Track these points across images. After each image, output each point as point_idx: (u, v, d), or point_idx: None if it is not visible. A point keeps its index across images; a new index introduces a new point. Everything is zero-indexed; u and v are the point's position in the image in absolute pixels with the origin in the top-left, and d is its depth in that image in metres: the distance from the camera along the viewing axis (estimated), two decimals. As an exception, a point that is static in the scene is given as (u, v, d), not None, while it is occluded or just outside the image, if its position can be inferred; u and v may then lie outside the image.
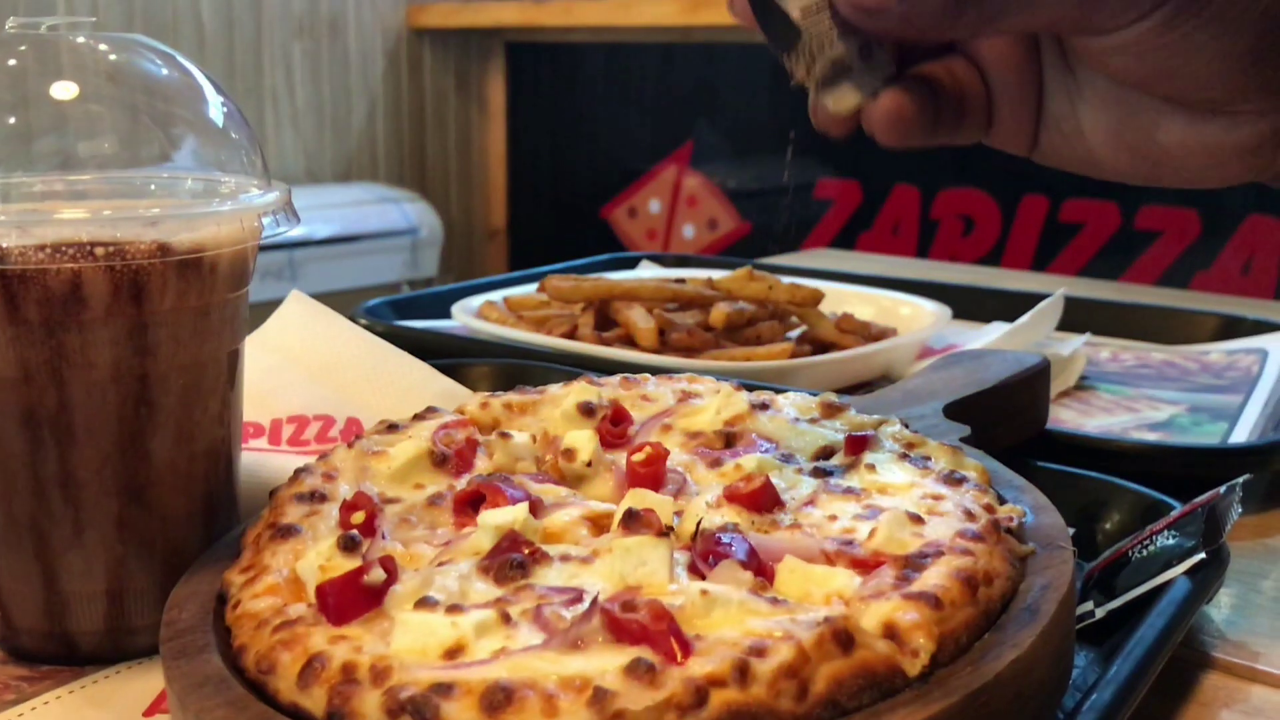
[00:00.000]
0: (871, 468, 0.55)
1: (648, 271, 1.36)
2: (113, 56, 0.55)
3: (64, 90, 0.53)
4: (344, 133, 3.49)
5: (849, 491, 0.53)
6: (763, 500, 0.52)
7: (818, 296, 1.04)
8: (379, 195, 3.39)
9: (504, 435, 0.60)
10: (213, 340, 0.54)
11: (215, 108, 0.57)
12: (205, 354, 0.53)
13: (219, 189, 0.56)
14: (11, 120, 0.53)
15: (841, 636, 0.41)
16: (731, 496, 0.52)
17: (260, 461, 0.65)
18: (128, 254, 0.49)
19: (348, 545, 0.49)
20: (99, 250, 0.49)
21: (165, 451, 0.53)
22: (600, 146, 3.62)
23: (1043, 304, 1.08)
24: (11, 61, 0.53)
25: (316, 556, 0.49)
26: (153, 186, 0.56)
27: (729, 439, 0.60)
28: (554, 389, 0.66)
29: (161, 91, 0.57)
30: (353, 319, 1.02)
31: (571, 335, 1.03)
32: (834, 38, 0.51)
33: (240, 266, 0.54)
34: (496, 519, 0.50)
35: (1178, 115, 0.50)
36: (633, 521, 0.49)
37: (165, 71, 0.57)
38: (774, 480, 0.54)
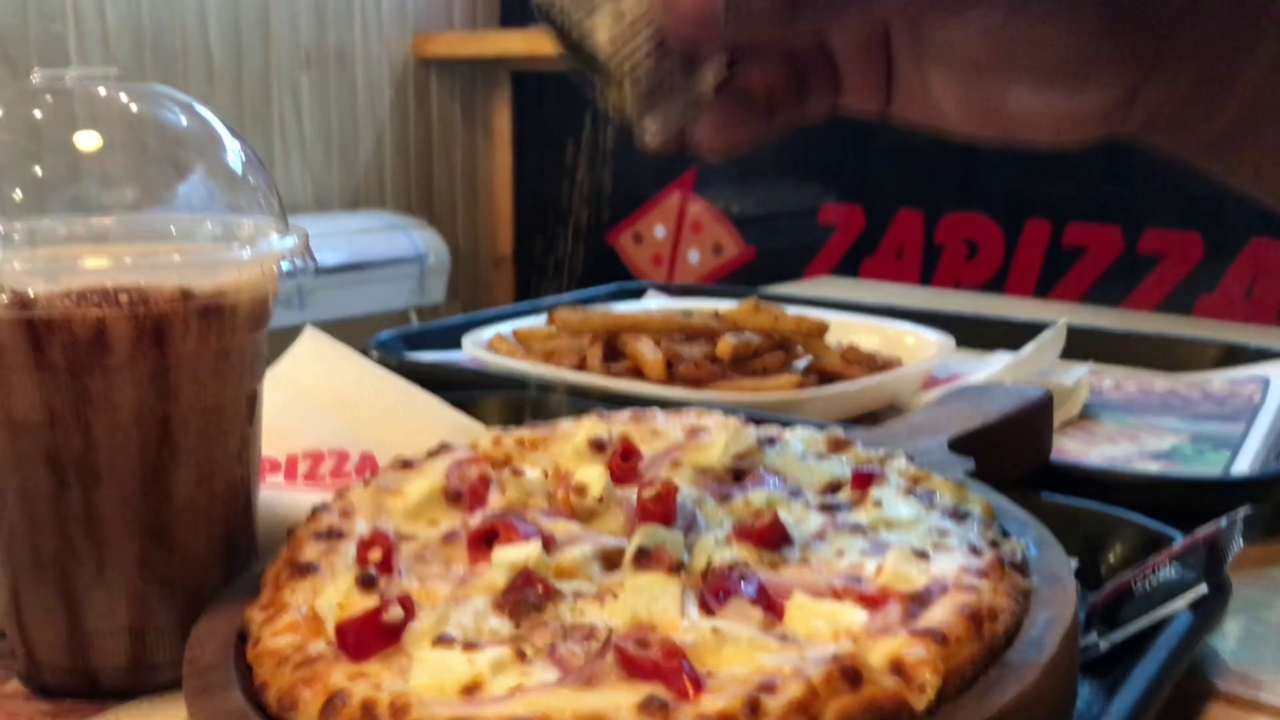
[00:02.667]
0: (878, 503, 0.56)
1: (654, 302, 1.38)
2: (134, 106, 0.57)
3: (87, 140, 0.55)
4: (351, 161, 3.52)
5: (856, 527, 0.54)
6: (772, 537, 0.53)
7: (823, 328, 1.05)
8: (387, 223, 3.41)
9: (516, 472, 0.61)
10: (233, 381, 0.55)
11: (233, 153, 0.58)
12: (225, 395, 0.55)
13: (238, 232, 0.58)
14: (38, 169, 0.55)
15: (850, 673, 0.42)
16: (741, 533, 0.53)
17: (277, 498, 0.66)
18: (151, 300, 0.50)
19: (366, 583, 0.51)
20: (123, 296, 0.50)
21: (186, 491, 0.54)
22: (604, 173, 3.64)
23: (1045, 334, 1.09)
24: (37, 112, 0.55)
25: (335, 594, 0.50)
26: (173, 229, 0.58)
27: (738, 474, 0.61)
28: (565, 424, 0.67)
29: (181, 139, 0.58)
30: (364, 351, 1.04)
31: (580, 367, 1.04)
32: (649, 60, 0.48)
33: (260, 309, 0.55)
34: (510, 556, 0.52)
35: (1026, 83, 0.49)
36: (644, 558, 0.51)
37: (184, 120, 0.58)
38: (782, 515, 0.55)
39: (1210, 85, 0.48)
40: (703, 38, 0.46)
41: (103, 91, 0.56)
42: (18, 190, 0.54)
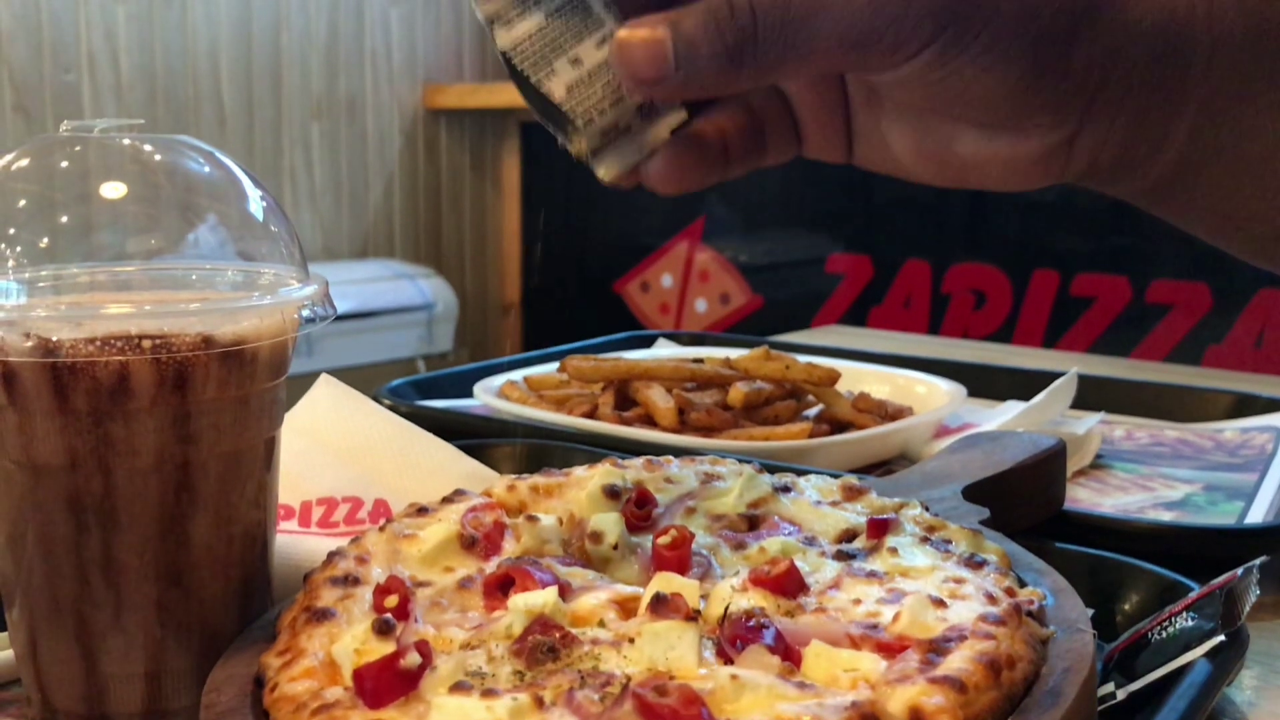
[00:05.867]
0: (894, 551, 0.56)
1: (665, 350, 1.38)
2: (158, 157, 0.58)
3: (112, 189, 0.56)
4: (361, 210, 3.54)
5: (872, 575, 0.54)
6: (788, 585, 0.53)
7: (834, 376, 1.06)
8: (395, 271, 3.43)
9: (531, 518, 0.61)
10: (252, 428, 0.55)
11: (255, 202, 0.59)
12: (244, 441, 0.55)
13: (258, 280, 0.58)
14: (64, 219, 0.55)
15: (869, 720, 0.42)
16: (757, 580, 0.53)
17: (292, 544, 0.66)
18: (173, 346, 0.51)
19: (382, 629, 0.51)
20: (146, 343, 0.51)
21: (204, 535, 0.54)
22: (613, 222, 3.66)
23: (1056, 383, 1.09)
24: (65, 163, 0.56)
25: (352, 640, 0.50)
26: (194, 277, 0.59)
27: (752, 521, 0.62)
28: (579, 471, 0.67)
29: (204, 188, 0.59)
30: (376, 399, 1.04)
31: (592, 415, 1.04)
32: (606, 106, 0.51)
33: (280, 356, 0.56)
34: (527, 602, 0.52)
35: (970, 131, 0.53)
36: (661, 605, 0.50)
37: (207, 169, 0.59)
38: (798, 563, 0.55)
39: (1144, 135, 0.52)
40: (657, 92, 0.50)
41: (127, 142, 0.57)
42: (44, 238, 0.54)
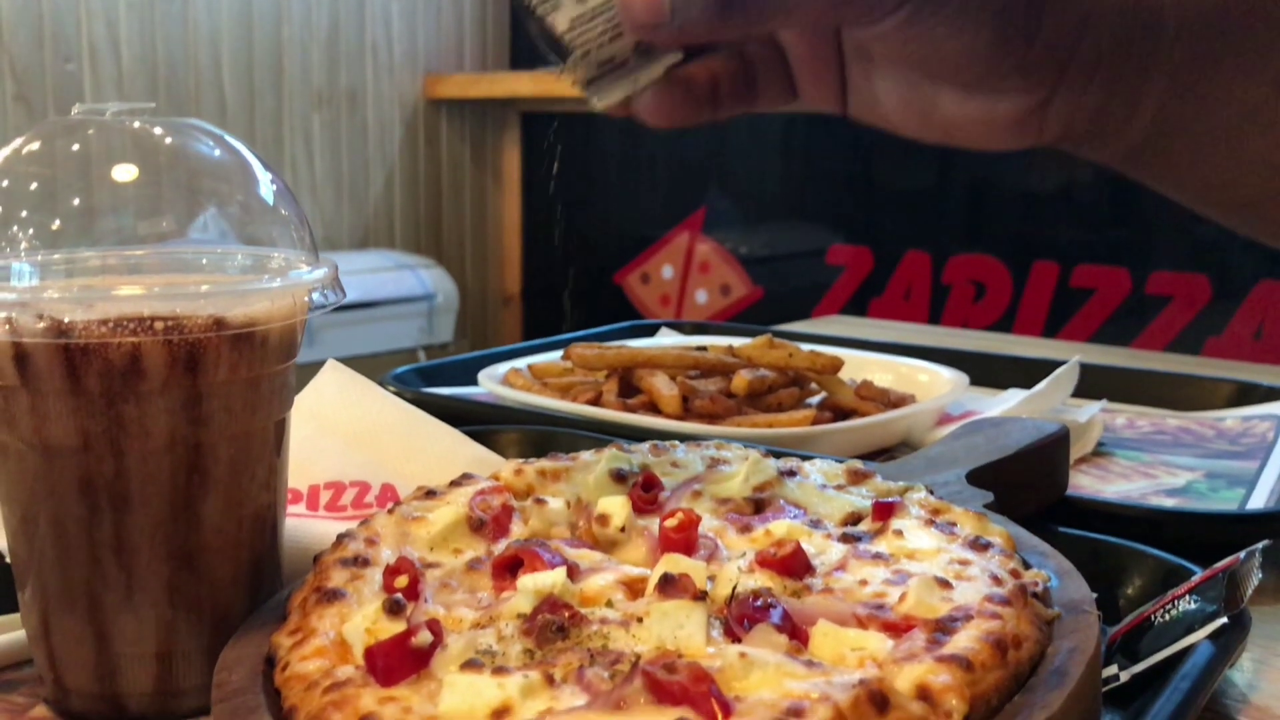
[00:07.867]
0: (899, 534, 0.57)
1: (668, 339, 1.39)
2: (169, 140, 0.58)
3: (124, 172, 0.56)
4: (361, 201, 3.54)
5: (878, 557, 0.55)
6: (794, 566, 0.53)
7: (837, 364, 1.06)
8: (396, 262, 3.43)
9: (539, 501, 0.62)
10: (262, 410, 0.56)
11: (265, 185, 0.59)
12: (255, 423, 0.55)
13: (268, 264, 0.58)
14: (76, 201, 0.56)
15: (876, 698, 0.42)
16: (763, 562, 0.54)
17: (300, 527, 0.66)
18: (185, 328, 0.51)
19: (393, 609, 0.51)
20: (158, 324, 0.51)
21: (215, 517, 0.55)
22: (613, 214, 3.66)
23: (1059, 371, 1.10)
24: (76, 146, 0.56)
25: (363, 620, 0.51)
26: (204, 261, 0.59)
27: (758, 505, 0.62)
28: (586, 455, 0.67)
29: (214, 172, 0.59)
30: (382, 385, 1.04)
31: (596, 402, 1.05)
32: (605, 42, 0.56)
33: (289, 339, 0.56)
34: (536, 583, 0.52)
35: (951, 89, 0.56)
36: (668, 586, 0.51)
37: (218, 153, 0.59)
38: (804, 546, 0.55)
39: (1116, 102, 0.55)
40: (653, 37, 0.54)
41: (137, 126, 0.57)
42: (55, 221, 0.55)
